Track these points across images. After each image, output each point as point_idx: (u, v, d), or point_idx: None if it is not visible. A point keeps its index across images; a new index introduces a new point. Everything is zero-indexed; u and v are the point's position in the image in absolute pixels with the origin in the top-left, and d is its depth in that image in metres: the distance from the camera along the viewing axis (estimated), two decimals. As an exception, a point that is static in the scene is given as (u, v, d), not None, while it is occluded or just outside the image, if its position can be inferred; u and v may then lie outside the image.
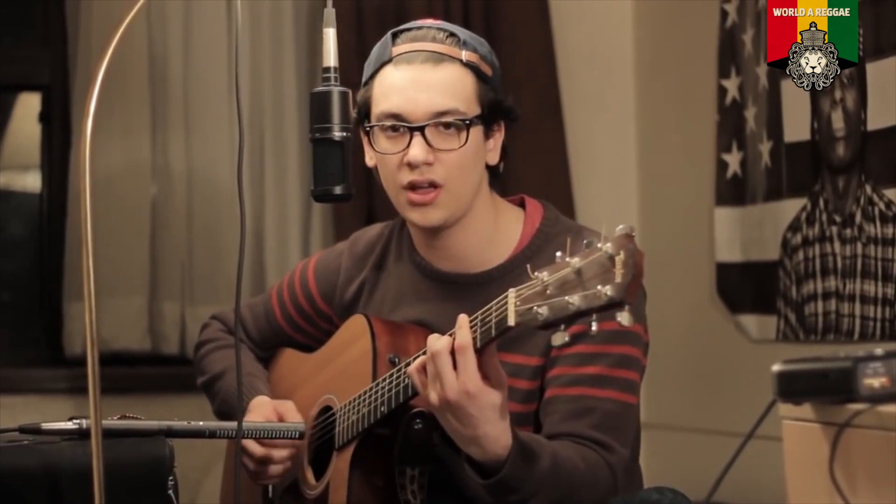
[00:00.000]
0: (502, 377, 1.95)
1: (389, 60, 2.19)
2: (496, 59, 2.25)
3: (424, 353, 1.98)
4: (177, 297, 3.77)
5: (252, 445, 2.26)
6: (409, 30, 2.22)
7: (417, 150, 2.15)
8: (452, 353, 1.92)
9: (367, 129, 2.19)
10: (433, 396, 1.95)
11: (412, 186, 2.17)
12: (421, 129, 2.15)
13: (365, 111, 2.21)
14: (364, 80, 2.23)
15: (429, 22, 2.24)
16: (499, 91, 2.22)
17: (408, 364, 2.05)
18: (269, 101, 3.83)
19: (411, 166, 2.15)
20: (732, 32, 3.44)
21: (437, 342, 1.94)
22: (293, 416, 2.29)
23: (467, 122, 2.16)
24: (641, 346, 2.20)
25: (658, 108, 3.86)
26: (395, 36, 2.21)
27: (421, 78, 2.16)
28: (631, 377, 2.17)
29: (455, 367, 1.92)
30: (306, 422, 2.30)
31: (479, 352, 1.92)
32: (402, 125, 2.16)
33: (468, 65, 2.18)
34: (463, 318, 1.93)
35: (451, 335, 1.95)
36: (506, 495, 2.00)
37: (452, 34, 2.20)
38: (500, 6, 3.74)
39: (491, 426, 1.94)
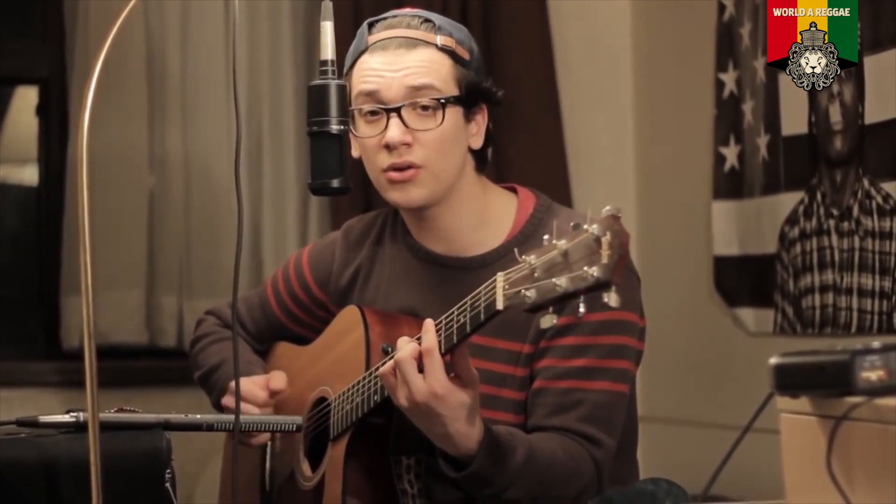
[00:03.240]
0: (473, 376, 1.98)
1: (366, 49, 2.21)
2: (475, 44, 2.25)
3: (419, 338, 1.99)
4: (174, 291, 3.77)
5: (256, 391, 2.30)
6: (384, 18, 2.23)
7: (394, 130, 2.16)
8: (418, 357, 1.96)
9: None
10: (402, 399, 1.99)
11: (392, 169, 2.18)
12: (397, 111, 2.16)
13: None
14: (344, 71, 2.23)
15: (405, 10, 2.25)
16: (479, 75, 2.23)
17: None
18: (266, 94, 3.83)
19: (389, 148, 2.16)
20: (730, 26, 3.44)
21: (404, 349, 1.98)
22: (279, 382, 2.32)
23: (443, 100, 2.17)
24: (635, 333, 2.20)
25: (656, 102, 3.85)
26: (370, 25, 2.23)
27: (395, 60, 2.17)
28: (623, 366, 2.17)
29: (422, 369, 1.96)
30: (302, 413, 2.31)
31: (453, 349, 1.95)
32: (378, 107, 2.17)
33: (443, 49, 2.19)
34: (429, 323, 1.97)
35: (417, 339, 1.98)
36: (480, 488, 2.03)
37: (427, 20, 2.21)
38: (498, 0, 3.74)
39: (460, 424, 1.97)
